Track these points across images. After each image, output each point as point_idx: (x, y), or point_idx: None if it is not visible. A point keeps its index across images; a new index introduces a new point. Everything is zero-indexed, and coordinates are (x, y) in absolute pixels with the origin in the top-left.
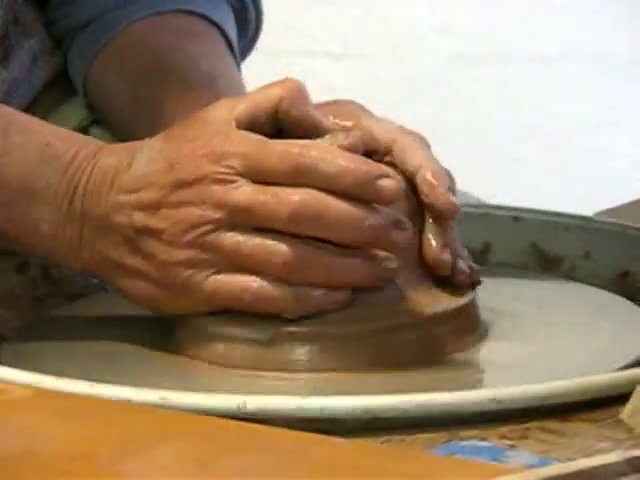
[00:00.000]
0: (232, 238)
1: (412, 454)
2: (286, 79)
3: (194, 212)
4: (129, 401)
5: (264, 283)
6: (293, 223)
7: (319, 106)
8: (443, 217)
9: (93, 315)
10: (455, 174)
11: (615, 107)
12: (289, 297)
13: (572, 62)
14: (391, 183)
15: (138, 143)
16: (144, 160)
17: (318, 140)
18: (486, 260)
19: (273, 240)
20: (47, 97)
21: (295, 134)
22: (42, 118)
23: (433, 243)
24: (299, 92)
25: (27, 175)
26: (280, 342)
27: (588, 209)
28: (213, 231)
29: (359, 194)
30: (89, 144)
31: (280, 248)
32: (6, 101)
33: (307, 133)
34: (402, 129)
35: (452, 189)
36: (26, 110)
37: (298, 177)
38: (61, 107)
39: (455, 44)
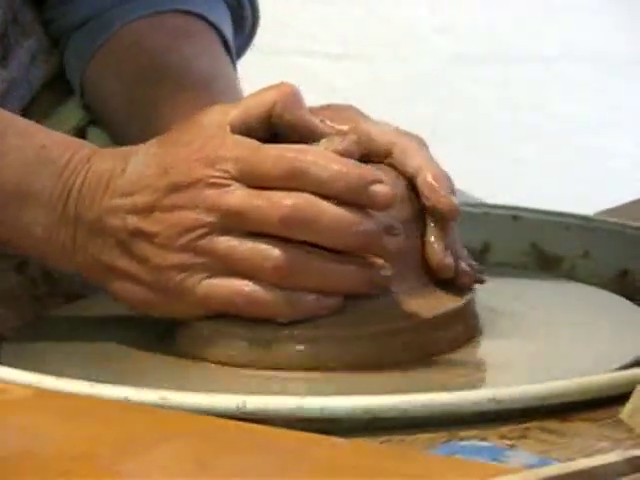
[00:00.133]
0: (225, 242)
1: (412, 454)
2: (281, 83)
3: (188, 216)
4: (129, 401)
5: (256, 287)
6: (285, 227)
7: (315, 110)
8: (444, 219)
9: (93, 315)
10: (455, 174)
11: (615, 107)
12: (281, 301)
13: (572, 62)
14: (384, 189)
15: (133, 148)
16: (139, 164)
17: (313, 145)
18: (485, 260)
19: (266, 244)
20: (45, 97)
21: (290, 138)
22: (41, 118)
23: (435, 246)
24: (293, 96)
25: (22, 178)
26: (280, 342)
27: (588, 209)
28: (206, 235)
29: (352, 199)
30: (84, 148)
31: (272, 252)
32: (5, 101)
33: (302, 137)
34: (400, 131)
35: (452, 191)
36: (25, 110)
37: (292, 181)
38: (59, 107)
39: (455, 44)
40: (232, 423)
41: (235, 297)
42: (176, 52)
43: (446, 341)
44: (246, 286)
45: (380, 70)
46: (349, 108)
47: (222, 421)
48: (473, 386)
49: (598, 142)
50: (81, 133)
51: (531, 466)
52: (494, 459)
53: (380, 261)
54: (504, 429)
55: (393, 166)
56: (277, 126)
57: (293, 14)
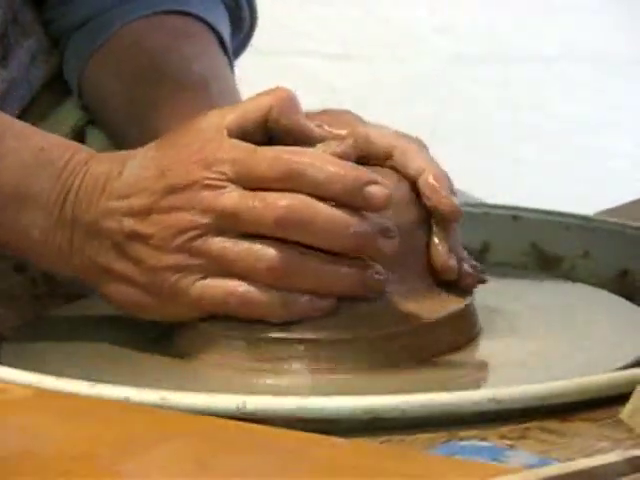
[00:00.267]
0: (220, 243)
1: (412, 454)
2: (277, 88)
3: (183, 217)
4: (129, 401)
5: (250, 288)
6: (280, 228)
7: (312, 115)
8: (446, 220)
9: (93, 315)
10: (455, 174)
11: (615, 107)
12: (274, 302)
13: (572, 62)
14: (380, 190)
15: (130, 152)
16: (136, 167)
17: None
18: (485, 260)
19: (260, 245)
20: (45, 97)
21: (285, 142)
22: (40, 118)
23: (439, 248)
24: (289, 101)
25: (21, 180)
26: (279, 343)
27: (588, 209)
28: (201, 236)
29: (348, 200)
30: (82, 151)
31: (266, 253)
32: (5, 101)
33: (297, 141)
34: (399, 133)
35: (452, 192)
36: (25, 110)
37: (288, 183)
38: (58, 107)
39: (455, 44)
40: (232, 423)
41: (228, 297)
42: (176, 52)
43: (446, 343)
44: (240, 286)
45: (379, 70)
46: (346, 113)
47: (222, 421)
48: (473, 386)
49: (598, 142)
50: (80, 133)
51: (531, 466)
52: (494, 459)
53: (375, 264)
54: (504, 429)
55: (394, 168)
56: (273, 130)
57: (292, 15)
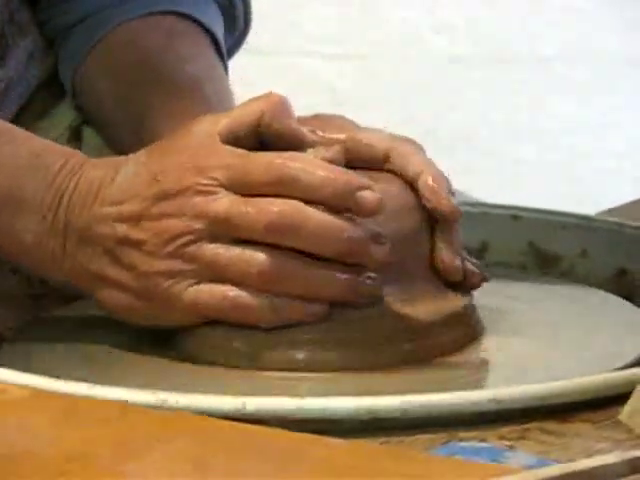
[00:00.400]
0: (212, 249)
1: (411, 454)
2: (269, 93)
3: (175, 223)
4: (128, 402)
5: (241, 293)
6: (271, 233)
7: (305, 120)
8: (447, 221)
9: (92, 316)
10: (455, 174)
11: (615, 107)
12: (265, 307)
13: (572, 62)
14: (371, 195)
15: (124, 157)
16: (129, 173)
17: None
18: (484, 259)
19: (251, 250)
20: (42, 96)
21: (277, 147)
22: (37, 117)
23: (444, 251)
24: (281, 106)
25: (15, 184)
26: (279, 344)
27: (588, 209)
28: (193, 242)
29: (339, 205)
30: (77, 156)
31: (257, 258)
32: (3, 100)
33: (289, 146)
34: (395, 136)
35: (452, 192)
36: (22, 109)
37: (280, 188)
38: (55, 106)
39: (455, 44)
40: (231, 424)
41: (221, 302)
42: (171, 53)
43: (446, 344)
44: (231, 291)
45: (379, 71)
46: (338, 117)
47: (221, 422)
48: (473, 386)
49: (598, 142)
50: (77, 132)
51: (530, 467)
52: (493, 460)
53: (367, 269)
54: (504, 430)
55: (392, 171)
56: (265, 135)
57: (292, 15)
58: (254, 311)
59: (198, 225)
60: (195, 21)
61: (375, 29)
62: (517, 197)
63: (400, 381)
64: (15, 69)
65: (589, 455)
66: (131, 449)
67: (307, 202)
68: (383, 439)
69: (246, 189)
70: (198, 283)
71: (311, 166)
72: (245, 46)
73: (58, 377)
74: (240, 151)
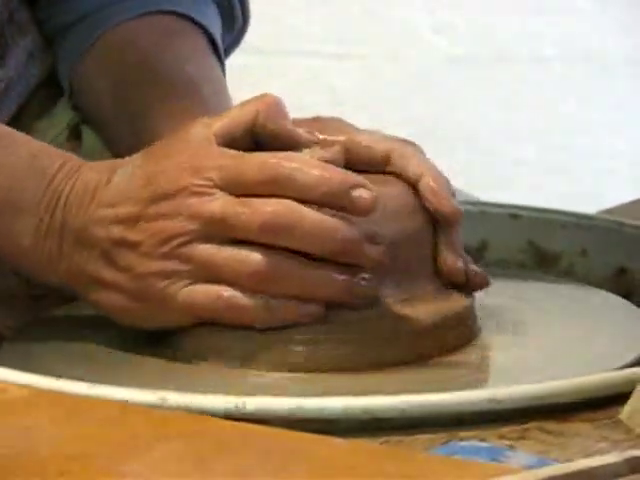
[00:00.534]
0: (206, 249)
1: (411, 454)
2: (264, 94)
3: (170, 224)
4: (128, 402)
5: (235, 293)
6: (265, 233)
7: (303, 122)
8: (448, 222)
9: (91, 316)
10: (455, 174)
11: (615, 107)
12: (260, 307)
13: (572, 62)
14: (366, 193)
15: (120, 160)
16: (125, 175)
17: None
18: (483, 258)
19: (246, 251)
20: (41, 95)
21: (273, 148)
22: (37, 116)
23: (446, 252)
24: (276, 106)
25: (13, 186)
26: (278, 344)
27: (588, 209)
28: (189, 242)
29: (334, 203)
30: (74, 158)
31: (251, 258)
32: (3, 100)
33: (284, 147)
34: (394, 138)
35: (452, 193)
36: (21, 108)
37: (275, 187)
38: (55, 105)
39: (454, 44)
40: (231, 423)
41: (214, 303)
42: (168, 53)
43: (446, 344)
44: (225, 291)
45: (379, 70)
46: (337, 120)
47: (221, 421)
48: (473, 386)
49: (598, 142)
50: (76, 131)
51: (530, 466)
52: (493, 459)
53: (362, 270)
54: (503, 429)
55: (393, 173)
56: (260, 136)
57: (293, 15)
58: (249, 311)
59: (193, 226)
60: (194, 21)
61: (375, 29)
62: (517, 197)
63: (399, 381)
64: (15, 69)
65: (589, 455)
66: (131, 449)
67: (302, 202)
68: (383, 439)
69: (241, 189)
70: (193, 283)
71: (306, 165)
72: (245, 46)
73: (58, 377)
74: (235, 152)
